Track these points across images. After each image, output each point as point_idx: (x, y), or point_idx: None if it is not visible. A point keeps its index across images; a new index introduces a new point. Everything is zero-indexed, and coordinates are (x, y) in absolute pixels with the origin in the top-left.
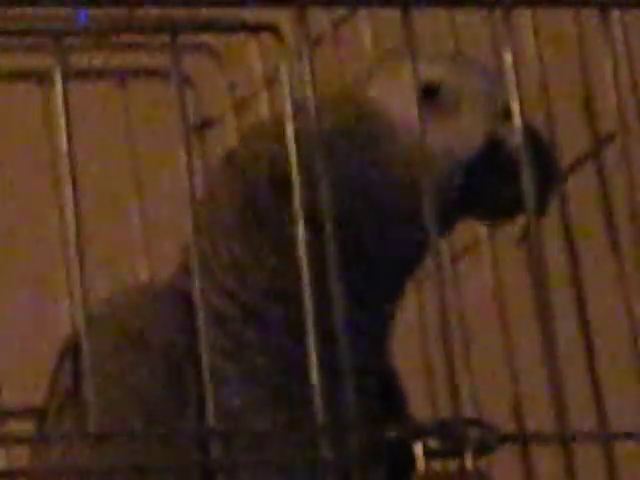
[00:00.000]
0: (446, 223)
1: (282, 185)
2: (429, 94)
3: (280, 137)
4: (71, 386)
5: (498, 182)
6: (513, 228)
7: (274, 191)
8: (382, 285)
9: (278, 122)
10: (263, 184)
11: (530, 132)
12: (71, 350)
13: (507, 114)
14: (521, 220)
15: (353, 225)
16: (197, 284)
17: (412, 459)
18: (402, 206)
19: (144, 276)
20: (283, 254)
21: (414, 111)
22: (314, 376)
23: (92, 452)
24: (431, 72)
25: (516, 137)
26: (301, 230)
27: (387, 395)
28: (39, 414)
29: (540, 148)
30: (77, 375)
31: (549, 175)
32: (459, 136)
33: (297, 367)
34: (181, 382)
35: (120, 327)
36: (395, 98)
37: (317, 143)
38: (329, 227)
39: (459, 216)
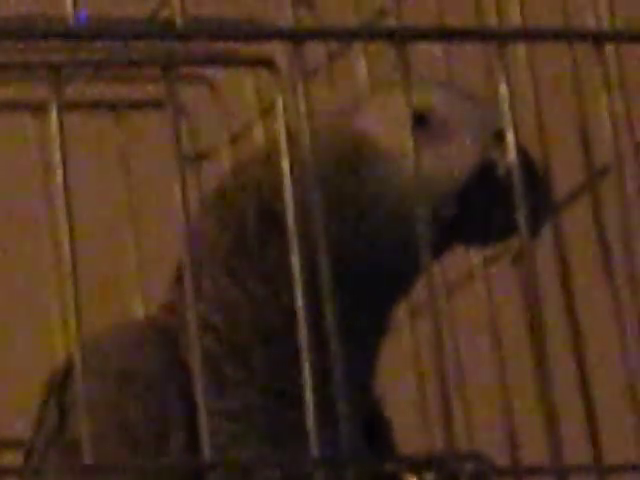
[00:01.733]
0: (438, 250)
1: (270, 217)
2: (418, 121)
3: (268, 169)
4: (57, 421)
5: (491, 206)
6: (505, 252)
7: (262, 223)
8: (371, 315)
9: (267, 154)
10: (250, 216)
11: (522, 155)
12: (57, 385)
13: (498, 138)
14: (514, 242)
15: (343, 256)
16: (192, 318)
17: None
18: (396, 235)
19: (138, 308)
20: (271, 288)
21: (404, 140)
22: (309, 408)
23: None
24: (419, 99)
25: (510, 165)
26: (296, 262)
27: (372, 425)
28: (26, 447)
29: (532, 170)
30: (63, 410)
31: (541, 197)
32: (451, 162)
33: (282, 404)
34: (166, 416)
35: (104, 361)
36: (384, 128)
37: (311, 175)
38: (324, 260)
39: (451, 242)
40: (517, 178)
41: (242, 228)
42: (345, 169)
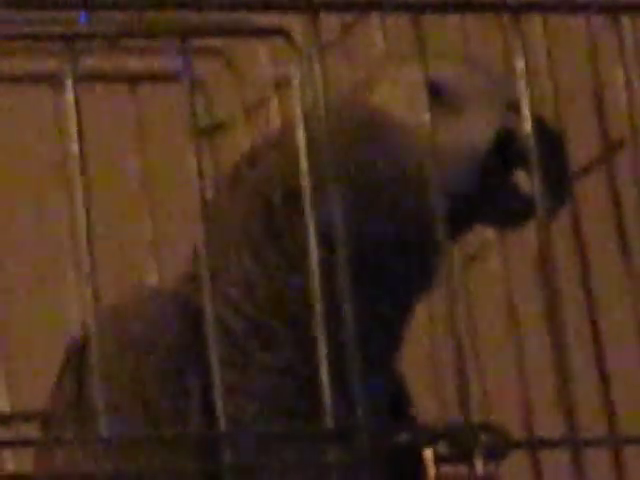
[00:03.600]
0: (458, 229)
1: (296, 200)
2: (433, 94)
3: (293, 151)
4: (75, 392)
5: (512, 177)
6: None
7: (288, 206)
8: (396, 295)
9: (290, 136)
10: (277, 199)
11: (539, 123)
12: (74, 356)
13: (514, 107)
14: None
15: (365, 236)
16: (207, 291)
17: (418, 464)
18: (414, 210)
19: (153, 279)
20: (295, 270)
21: (421, 113)
22: (324, 378)
23: (100, 455)
24: (434, 72)
25: (527, 138)
26: (313, 241)
27: (395, 401)
28: (44, 418)
29: (551, 138)
30: (80, 381)
31: (562, 166)
32: (469, 134)
33: (301, 383)
34: (184, 387)
35: (123, 332)
36: (400, 101)
37: (327, 149)
38: (341, 239)
39: (471, 221)
40: (534, 147)
41: (267, 212)
42: (362, 143)
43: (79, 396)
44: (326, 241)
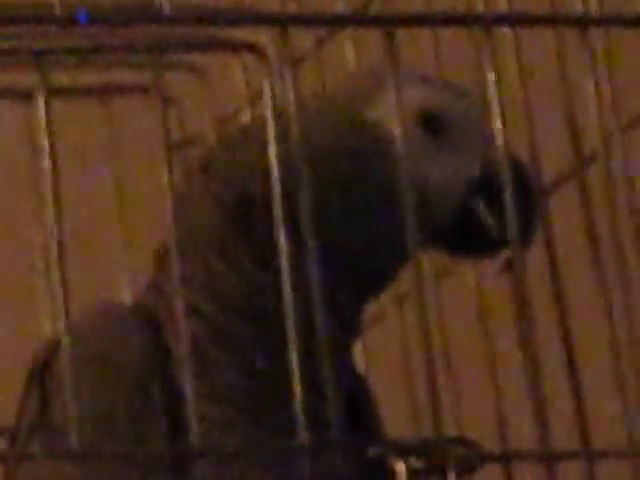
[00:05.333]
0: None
1: (263, 203)
2: (428, 122)
3: (262, 151)
4: (39, 408)
5: (491, 209)
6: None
7: (263, 207)
8: (354, 296)
9: (259, 134)
10: (251, 198)
11: (514, 162)
12: (39, 372)
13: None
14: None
15: (336, 239)
16: (180, 303)
17: (389, 477)
18: (389, 221)
19: (125, 292)
20: (268, 270)
21: (413, 137)
22: (297, 393)
23: (68, 471)
24: (430, 99)
25: (498, 154)
26: (282, 241)
27: (352, 396)
28: (10, 434)
29: (524, 178)
30: (45, 397)
31: (532, 205)
32: (458, 164)
33: (267, 388)
34: (148, 402)
35: (84, 348)
36: (394, 123)
37: (299, 160)
38: (311, 242)
39: (445, 252)
40: (507, 186)
41: (238, 209)
42: (349, 154)
43: (43, 412)
44: (294, 241)
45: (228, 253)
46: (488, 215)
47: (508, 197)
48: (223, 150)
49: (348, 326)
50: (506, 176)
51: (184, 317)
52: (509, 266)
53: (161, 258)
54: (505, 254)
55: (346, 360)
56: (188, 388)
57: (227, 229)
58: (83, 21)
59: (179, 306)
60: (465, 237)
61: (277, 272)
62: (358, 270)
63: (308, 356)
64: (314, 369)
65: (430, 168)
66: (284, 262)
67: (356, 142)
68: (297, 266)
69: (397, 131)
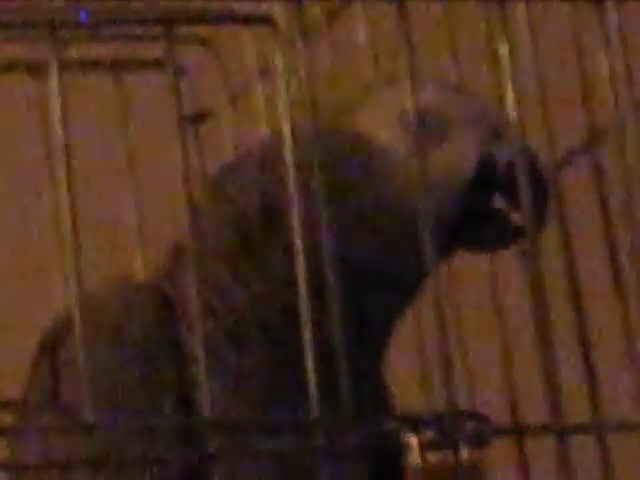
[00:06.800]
0: (442, 253)
1: (272, 216)
2: (418, 120)
3: (270, 166)
4: (49, 382)
5: (492, 205)
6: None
7: (264, 222)
8: (377, 312)
9: (268, 151)
10: (252, 214)
11: (522, 149)
12: (49, 345)
13: (497, 134)
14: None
15: (349, 254)
16: (194, 281)
17: (400, 451)
18: (398, 234)
19: (138, 266)
20: (271, 287)
21: (404, 139)
22: (310, 367)
23: (78, 443)
24: (419, 99)
25: (511, 156)
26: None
27: (377, 403)
28: (19, 407)
29: (533, 164)
30: (55, 369)
31: (543, 190)
32: (452, 162)
33: (273, 388)
34: (159, 378)
35: (99, 321)
36: (384, 127)
37: (314, 142)
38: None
39: (455, 246)
40: (519, 170)
41: (244, 226)
42: (344, 166)
43: (53, 386)
44: (307, 255)
45: (235, 268)
46: (501, 209)
47: (521, 185)
48: (235, 169)
49: (373, 339)
50: (518, 162)
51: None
52: (525, 250)
53: (177, 250)
54: (519, 243)
55: (372, 373)
56: (200, 356)
57: (234, 246)
58: (83, 18)
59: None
60: (476, 232)
61: (280, 290)
62: (371, 282)
63: (322, 365)
64: (328, 372)
65: (427, 164)
66: (302, 280)
67: (348, 154)
68: (309, 280)
69: (390, 136)
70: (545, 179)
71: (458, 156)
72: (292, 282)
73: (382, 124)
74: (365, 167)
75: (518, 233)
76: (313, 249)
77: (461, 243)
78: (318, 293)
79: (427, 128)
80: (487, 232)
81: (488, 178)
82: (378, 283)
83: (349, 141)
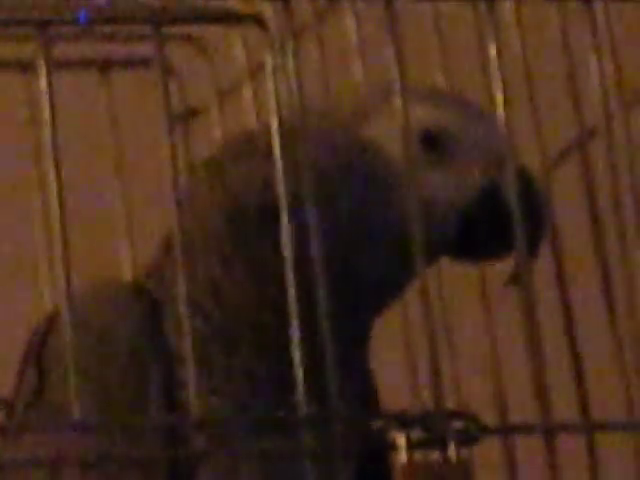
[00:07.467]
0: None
1: (271, 214)
2: (428, 140)
3: (266, 162)
4: (36, 382)
5: (490, 227)
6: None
7: (263, 217)
8: (368, 307)
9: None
10: (252, 209)
11: (523, 178)
12: (36, 344)
13: (503, 161)
14: (511, 262)
15: (341, 253)
16: (182, 281)
17: (386, 449)
18: (396, 246)
19: (126, 268)
20: (259, 283)
21: (412, 155)
22: (298, 363)
23: (65, 443)
24: (430, 117)
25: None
26: (288, 247)
27: (362, 401)
28: (7, 407)
29: (533, 194)
30: (42, 371)
31: (540, 219)
32: (457, 184)
33: (266, 389)
34: (145, 380)
35: (84, 322)
36: (393, 140)
37: (302, 145)
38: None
39: (448, 257)
40: (515, 198)
41: (239, 219)
42: (353, 174)
43: (40, 386)
44: (299, 254)
45: (225, 260)
46: (492, 226)
47: (515, 208)
48: (227, 156)
49: (357, 330)
50: (513, 183)
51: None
52: (515, 279)
53: (167, 245)
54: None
55: (356, 363)
56: (189, 355)
57: (225, 237)
58: (82, 20)
59: (182, 298)
60: (469, 245)
61: (268, 286)
62: (362, 285)
63: (310, 363)
64: (316, 372)
65: (431, 183)
66: (289, 273)
67: (355, 160)
68: (299, 281)
69: (397, 147)
70: (544, 213)
71: (463, 179)
72: (283, 280)
73: (393, 137)
74: (369, 174)
75: (506, 252)
76: (304, 251)
77: (453, 254)
78: (308, 293)
79: (438, 147)
80: (476, 246)
81: (489, 205)
82: (367, 283)
83: (358, 145)
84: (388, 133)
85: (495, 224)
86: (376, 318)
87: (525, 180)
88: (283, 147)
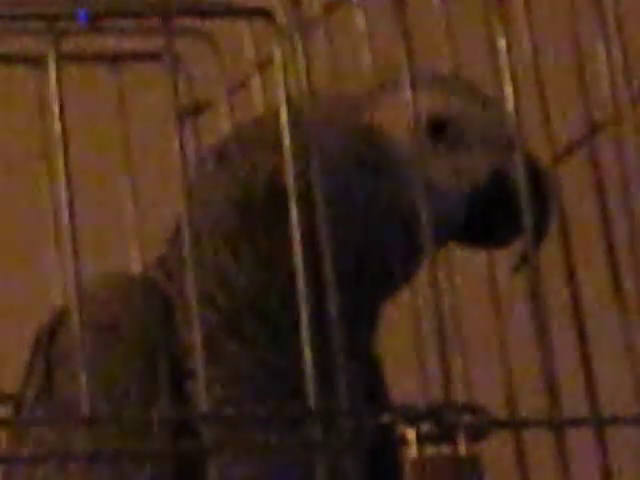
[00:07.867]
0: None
1: (280, 200)
2: (436, 127)
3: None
4: (44, 377)
5: (498, 213)
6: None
7: (271, 205)
8: (371, 288)
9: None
10: (260, 197)
11: (531, 164)
12: (44, 338)
13: (511, 148)
14: (518, 248)
15: (350, 239)
16: (190, 274)
17: (396, 444)
18: (403, 234)
19: (135, 258)
20: (269, 272)
21: (419, 142)
22: (307, 358)
23: (75, 437)
24: (438, 104)
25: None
26: (296, 236)
27: (371, 387)
28: (16, 402)
29: (540, 180)
30: (50, 366)
31: (548, 207)
32: (464, 171)
33: (271, 375)
34: (154, 372)
35: (94, 316)
36: (401, 127)
37: (310, 141)
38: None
39: (456, 242)
40: (523, 187)
41: (247, 207)
42: (356, 159)
43: (48, 381)
44: (306, 240)
45: (234, 247)
46: (499, 213)
47: (523, 194)
48: (235, 143)
49: (365, 318)
50: (521, 168)
51: (196, 302)
52: (523, 262)
53: (173, 238)
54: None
55: (364, 351)
56: (198, 348)
57: (234, 224)
58: (82, 19)
59: (190, 289)
60: (477, 231)
61: (280, 271)
62: (370, 270)
63: (319, 350)
64: (325, 362)
65: (439, 170)
66: (299, 260)
67: (362, 147)
68: (308, 267)
69: (406, 136)
70: (551, 200)
71: (471, 166)
72: (292, 269)
73: (403, 124)
74: (379, 160)
75: (513, 238)
76: (314, 238)
77: (461, 240)
78: (317, 283)
79: (447, 134)
80: (488, 236)
81: (497, 191)
82: (375, 268)
83: (366, 132)
84: (397, 120)
85: (503, 209)
86: (384, 304)
87: (533, 165)
88: (291, 135)
